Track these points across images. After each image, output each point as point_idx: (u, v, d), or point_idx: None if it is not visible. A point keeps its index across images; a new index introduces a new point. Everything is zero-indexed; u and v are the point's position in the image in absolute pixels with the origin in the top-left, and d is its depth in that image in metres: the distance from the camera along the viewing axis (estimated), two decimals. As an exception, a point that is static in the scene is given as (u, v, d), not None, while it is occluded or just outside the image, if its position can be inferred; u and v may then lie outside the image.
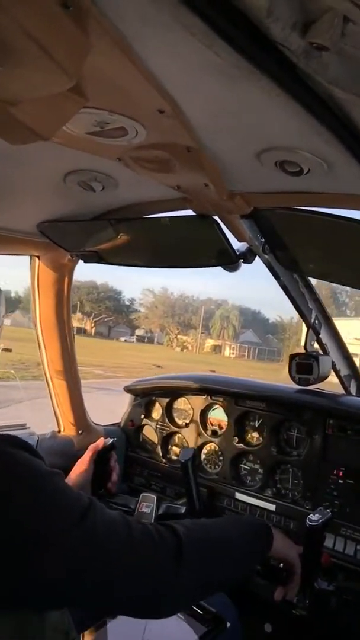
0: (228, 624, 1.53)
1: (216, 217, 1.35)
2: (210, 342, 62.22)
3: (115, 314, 64.60)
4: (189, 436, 2.16)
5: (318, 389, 1.89)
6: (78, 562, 0.80)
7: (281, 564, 1.21)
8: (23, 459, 0.82)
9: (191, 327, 64.01)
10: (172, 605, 0.96)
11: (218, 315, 62.28)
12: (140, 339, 62.36)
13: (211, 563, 0.99)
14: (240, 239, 1.44)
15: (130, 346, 49.25)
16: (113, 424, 2.42)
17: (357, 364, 2.13)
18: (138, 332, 64.67)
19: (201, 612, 1.56)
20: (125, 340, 57.45)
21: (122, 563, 0.85)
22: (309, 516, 1.26)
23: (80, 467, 1.42)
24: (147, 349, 48.45)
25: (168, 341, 62.74)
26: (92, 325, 59.95)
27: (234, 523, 1.15)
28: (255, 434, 2.00)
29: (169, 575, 0.90)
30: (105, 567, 0.83)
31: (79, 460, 1.43)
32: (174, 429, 2.22)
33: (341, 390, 2.08)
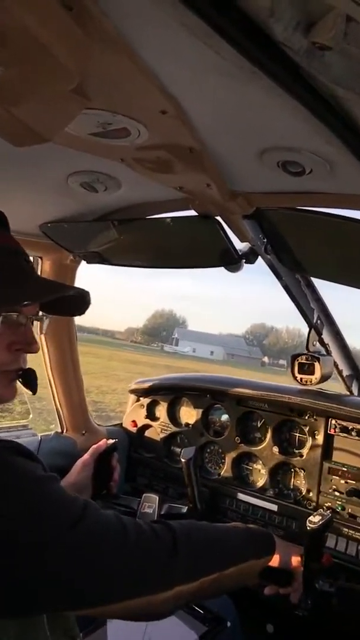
0: (228, 624, 1.53)
1: (218, 218, 1.35)
2: None
3: None
4: (191, 436, 2.16)
5: (320, 389, 1.89)
6: (73, 566, 0.80)
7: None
8: (15, 463, 0.82)
9: None
10: (169, 605, 0.94)
11: None
12: None
13: (207, 561, 0.98)
14: (242, 239, 1.44)
15: None
16: (115, 425, 2.42)
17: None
18: None
19: (201, 612, 1.56)
20: None
21: (118, 565, 0.85)
22: (309, 518, 1.25)
23: (81, 466, 1.42)
24: None
25: None
26: None
27: (234, 528, 1.14)
28: (258, 435, 1.99)
29: (165, 573, 0.90)
30: (100, 570, 0.83)
31: (80, 460, 1.43)
32: (176, 429, 2.21)
33: (343, 391, 2.08)
